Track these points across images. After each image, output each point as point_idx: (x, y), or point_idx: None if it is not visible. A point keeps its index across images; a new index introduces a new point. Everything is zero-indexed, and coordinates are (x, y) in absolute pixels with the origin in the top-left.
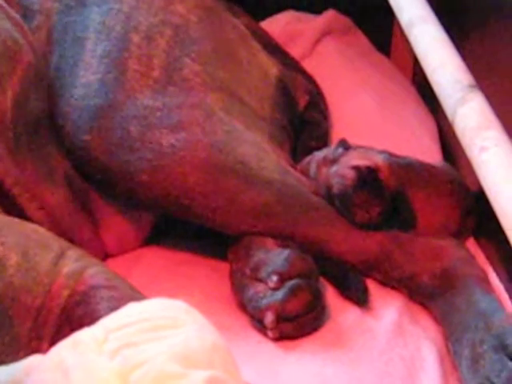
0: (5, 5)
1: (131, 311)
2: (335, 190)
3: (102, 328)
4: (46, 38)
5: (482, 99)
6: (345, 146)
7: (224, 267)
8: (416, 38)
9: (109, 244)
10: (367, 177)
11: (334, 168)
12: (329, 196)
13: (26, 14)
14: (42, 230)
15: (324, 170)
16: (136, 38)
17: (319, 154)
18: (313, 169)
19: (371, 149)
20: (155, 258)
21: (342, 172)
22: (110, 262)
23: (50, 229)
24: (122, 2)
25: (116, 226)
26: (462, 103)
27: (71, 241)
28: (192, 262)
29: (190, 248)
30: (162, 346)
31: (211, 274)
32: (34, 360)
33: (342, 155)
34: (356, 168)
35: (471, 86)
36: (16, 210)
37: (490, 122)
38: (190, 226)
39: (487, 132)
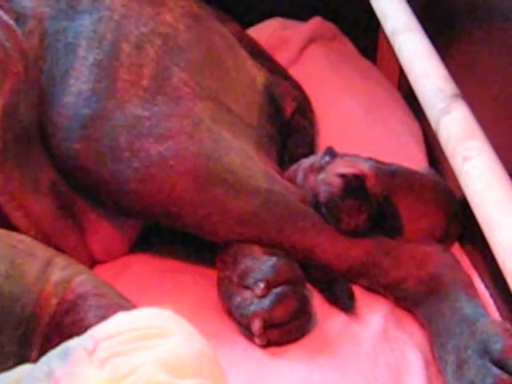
0: None
1: (120, 321)
2: (322, 197)
3: (91, 337)
4: (39, 43)
5: (465, 109)
6: (331, 153)
7: (211, 274)
8: (400, 47)
9: (95, 251)
10: (354, 184)
11: (321, 176)
12: (316, 203)
13: (19, 18)
14: (28, 239)
15: (311, 177)
16: (126, 48)
17: (306, 162)
18: (300, 176)
19: (357, 156)
20: (143, 265)
21: (328, 180)
22: (98, 269)
23: (36, 237)
24: (113, 10)
25: (102, 232)
26: (445, 112)
27: (58, 248)
28: (179, 269)
29: (177, 255)
30: (150, 356)
31: (199, 281)
32: (24, 369)
33: (328, 163)
34: (342, 176)
35: (455, 96)
36: (2, 219)
37: (473, 131)
38: (177, 234)
39: (470, 142)
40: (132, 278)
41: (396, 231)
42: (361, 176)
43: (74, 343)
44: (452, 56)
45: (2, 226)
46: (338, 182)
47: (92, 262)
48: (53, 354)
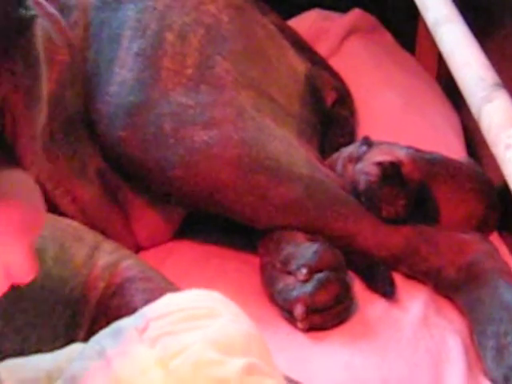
0: (43, 1)
1: (169, 301)
2: (361, 186)
3: (142, 317)
4: (83, 34)
5: (506, 97)
6: (368, 143)
7: (254, 260)
8: (442, 37)
9: (140, 237)
10: (391, 172)
11: (359, 165)
12: (355, 192)
13: (64, 9)
14: (76, 223)
15: (350, 167)
16: (170, 37)
17: (345, 152)
18: (339, 167)
19: (394, 144)
20: (186, 252)
21: (366, 169)
22: (142, 255)
23: (82, 223)
24: (157, 1)
25: (147, 219)
26: (486, 101)
27: (104, 234)
28: (222, 255)
29: (220, 241)
30: (200, 335)
31: (242, 267)
32: (75, 348)
33: (365, 152)
34: (379, 164)
35: (496, 85)
36: (49, 205)
37: None
38: (220, 220)
39: None
40: (175, 265)
41: (433, 218)
42: (397, 163)
43: (125, 323)
44: (492, 47)
45: (49, 212)
46: (375, 170)
47: (136, 248)
48: (104, 333)
